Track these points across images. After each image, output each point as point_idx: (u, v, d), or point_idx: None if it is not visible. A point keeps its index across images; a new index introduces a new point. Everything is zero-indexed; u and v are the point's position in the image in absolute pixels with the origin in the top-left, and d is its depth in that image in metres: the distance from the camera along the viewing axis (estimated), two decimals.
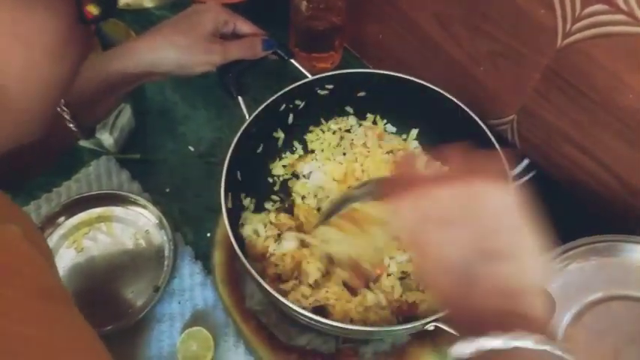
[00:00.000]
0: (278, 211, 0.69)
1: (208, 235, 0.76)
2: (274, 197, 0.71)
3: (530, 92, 0.71)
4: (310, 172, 0.71)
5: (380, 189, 0.43)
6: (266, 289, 0.52)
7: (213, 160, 0.84)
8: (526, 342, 0.33)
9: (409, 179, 0.41)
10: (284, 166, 0.73)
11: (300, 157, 0.74)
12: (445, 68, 0.79)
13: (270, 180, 0.73)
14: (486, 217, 0.38)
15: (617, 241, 0.62)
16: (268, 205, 0.70)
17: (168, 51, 0.59)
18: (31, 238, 0.34)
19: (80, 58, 0.39)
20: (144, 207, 0.77)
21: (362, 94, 0.70)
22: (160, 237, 0.75)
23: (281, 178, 0.73)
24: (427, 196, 0.39)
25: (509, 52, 0.70)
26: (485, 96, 0.77)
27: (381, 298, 0.58)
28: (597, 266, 0.62)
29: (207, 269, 0.73)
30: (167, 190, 0.81)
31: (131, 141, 0.85)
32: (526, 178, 0.73)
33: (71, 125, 0.58)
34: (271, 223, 0.66)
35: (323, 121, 0.73)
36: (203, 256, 0.74)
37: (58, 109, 0.57)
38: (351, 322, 0.56)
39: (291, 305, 0.51)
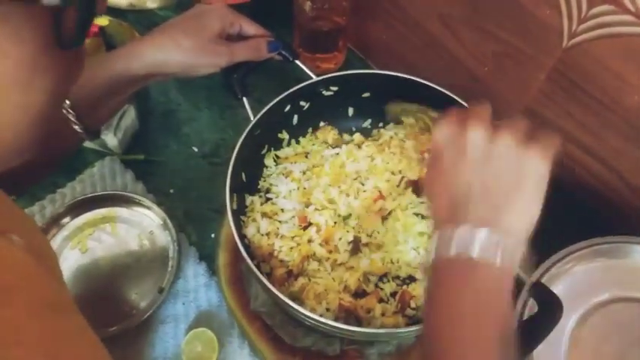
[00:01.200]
0: None
1: (212, 235, 0.76)
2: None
3: (534, 93, 0.71)
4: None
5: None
6: (272, 291, 0.52)
7: (217, 160, 0.84)
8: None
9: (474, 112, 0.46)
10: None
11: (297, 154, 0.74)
12: (449, 69, 0.79)
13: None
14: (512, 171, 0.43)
15: (623, 243, 0.62)
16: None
17: (174, 52, 0.59)
18: (33, 246, 0.34)
19: (62, 81, 0.37)
20: (148, 208, 0.77)
21: (366, 95, 0.69)
22: (164, 238, 0.75)
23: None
24: (464, 126, 0.44)
25: (514, 52, 0.70)
26: (489, 96, 0.75)
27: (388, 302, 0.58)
28: (603, 268, 0.62)
29: (212, 270, 0.73)
30: (171, 190, 0.81)
31: (135, 142, 0.85)
32: None
33: (77, 127, 0.58)
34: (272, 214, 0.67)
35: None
36: (207, 257, 0.74)
37: (64, 111, 0.57)
38: (358, 324, 0.56)
39: (296, 307, 0.51)
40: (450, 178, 0.44)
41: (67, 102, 0.56)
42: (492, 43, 0.71)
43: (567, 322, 0.60)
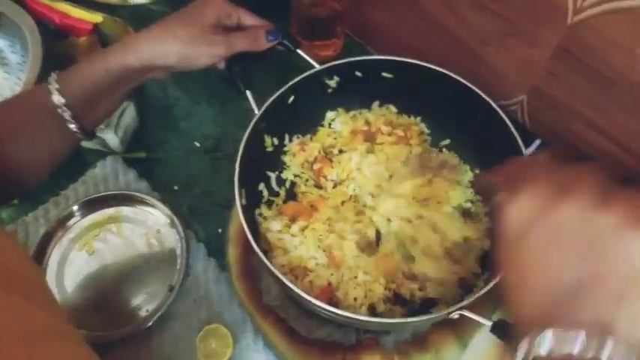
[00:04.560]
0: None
1: (220, 230, 0.75)
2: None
3: (540, 72, 0.70)
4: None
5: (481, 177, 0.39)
6: (285, 283, 0.51)
7: (219, 155, 0.83)
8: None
9: (532, 173, 0.37)
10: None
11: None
12: (452, 50, 0.78)
13: (282, 175, 0.72)
14: (610, 258, 0.33)
15: None
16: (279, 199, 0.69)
17: (170, 43, 0.58)
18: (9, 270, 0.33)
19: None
20: (153, 206, 0.76)
21: (371, 80, 0.68)
22: (172, 235, 0.74)
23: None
24: (555, 203, 0.34)
25: (518, 31, 0.69)
26: (494, 77, 0.76)
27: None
28: None
29: (221, 266, 0.72)
30: (175, 187, 0.80)
31: (136, 139, 0.84)
32: None
33: (72, 126, 0.57)
34: (282, 213, 0.66)
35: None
36: (216, 253, 0.73)
37: (59, 110, 0.56)
38: (374, 313, 0.56)
39: (310, 299, 0.50)
40: (545, 268, 0.35)
41: (63, 100, 0.55)
42: (495, 22, 0.70)
43: None
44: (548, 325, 0.33)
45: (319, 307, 0.50)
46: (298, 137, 0.72)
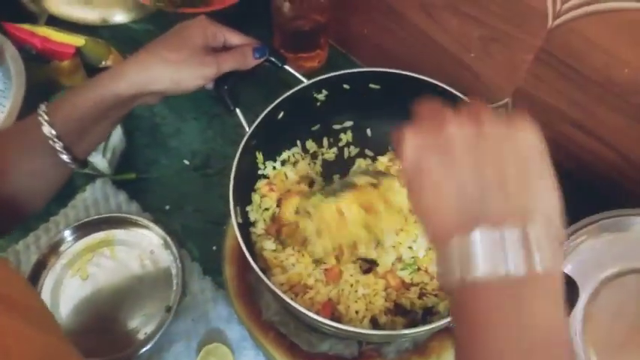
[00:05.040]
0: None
1: (214, 248, 0.75)
2: None
3: (524, 74, 0.71)
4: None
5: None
6: (286, 302, 0.51)
7: (209, 172, 0.83)
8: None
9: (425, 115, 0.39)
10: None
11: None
12: (435, 58, 0.79)
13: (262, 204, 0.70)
14: (509, 159, 0.36)
15: (625, 216, 0.63)
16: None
17: (161, 68, 0.57)
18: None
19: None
20: (146, 227, 0.75)
21: (359, 92, 0.68)
22: (166, 256, 0.74)
23: None
24: (437, 127, 0.38)
25: (499, 36, 0.70)
26: (478, 82, 0.77)
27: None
28: (608, 242, 0.62)
29: (218, 284, 0.72)
30: (167, 207, 0.80)
31: (124, 161, 0.83)
32: None
33: (64, 157, 0.56)
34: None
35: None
36: (212, 271, 0.73)
37: (50, 142, 0.55)
38: (376, 325, 0.56)
39: (312, 315, 0.51)
40: (444, 185, 0.37)
41: (53, 132, 0.55)
42: (477, 28, 0.71)
43: (579, 300, 0.61)
44: (460, 233, 0.35)
45: (323, 323, 0.50)
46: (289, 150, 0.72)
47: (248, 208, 0.64)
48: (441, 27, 0.75)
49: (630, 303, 0.60)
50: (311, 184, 0.70)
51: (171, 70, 0.57)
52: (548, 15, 0.63)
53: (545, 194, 0.36)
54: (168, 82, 0.58)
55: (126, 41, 0.94)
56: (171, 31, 0.60)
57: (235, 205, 0.57)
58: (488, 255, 0.34)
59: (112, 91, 0.57)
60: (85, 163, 0.61)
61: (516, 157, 0.36)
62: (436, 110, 0.39)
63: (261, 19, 0.87)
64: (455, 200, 0.36)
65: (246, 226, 0.62)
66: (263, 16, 0.86)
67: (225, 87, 0.61)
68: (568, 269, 0.61)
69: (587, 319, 0.60)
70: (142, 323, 0.69)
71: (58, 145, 0.56)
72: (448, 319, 0.51)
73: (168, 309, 0.69)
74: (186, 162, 0.84)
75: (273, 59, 0.63)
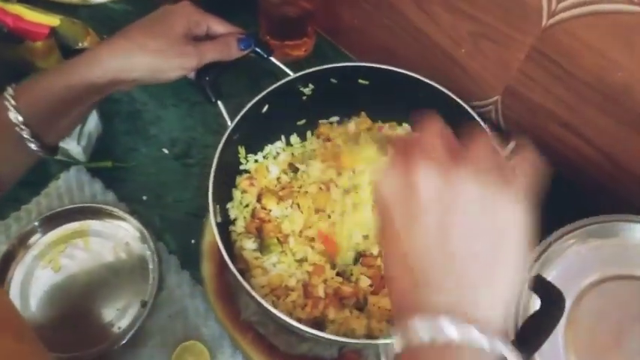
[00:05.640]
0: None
1: (193, 241, 0.73)
2: None
3: (514, 73, 0.69)
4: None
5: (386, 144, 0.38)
6: (262, 304, 0.50)
7: (190, 161, 0.80)
8: (482, 339, 0.31)
9: (420, 145, 0.36)
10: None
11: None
12: (425, 51, 0.77)
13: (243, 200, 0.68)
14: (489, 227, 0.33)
15: (612, 222, 0.62)
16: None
17: (139, 56, 0.54)
18: None
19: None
20: (121, 218, 0.73)
21: (347, 87, 0.66)
22: (142, 249, 0.71)
23: None
24: (405, 168, 0.34)
25: (491, 33, 0.68)
26: (467, 78, 0.75)
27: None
28: (594, 248, 0.62)
29: (196, 279, 0.70)
30: (144, 197, 0.77)
31: (100, 148, 0.80)
32: (512, 162, 0.71)
33: (32, 145, 0.53)
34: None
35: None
36: (189, 265, 0.71)
37: (17, 128, 0.52)
38: (352, 331, 0.54)
39: (289, 321, 0.49)
40: (404, 248, 0.34)
41: (20, 118, 0.52)
42: (469, 23, 0.69)
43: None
44: (414, 310, 0.33)
45: (304, 331, 0.48)
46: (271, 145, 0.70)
47: (228, 205, 0.62)
48: (433, 21, 0.73)
49: (613, 309, 0.59)
50: (295, 171, 0.68)
51: (149, 59, 0.54)
52: (543, 14, 0.61)
53: (503, 289, 0.33)
54: (145, 71, 0.55)
55: (104, 22, 0.90)
56: (152, 16, 0.57)
57: (215, 204, 0.54)
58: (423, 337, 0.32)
59: (85, 77, 0.54)
60: (54, 151, 0.58)
61: (488, 233, 0.33)
62: (422, 139, 0.35)
63: (246, 3, 0.84)
64: (409, 268, 0.34)
65: (225, 224, 0.60)
66: (248, 0, 0.83)
67: (207, 78, 0.58)
68: (553, 275, 0.60)
69: (570, 324, 0.60)
70: (116, 318, 0.67)
71: (25, 133, 0.52)
72: None
73: (144, 304, 0.67)
74: (166, 151, 0.81)
75: (258, 50, 0.61)
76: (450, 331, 0.31)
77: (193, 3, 0.60)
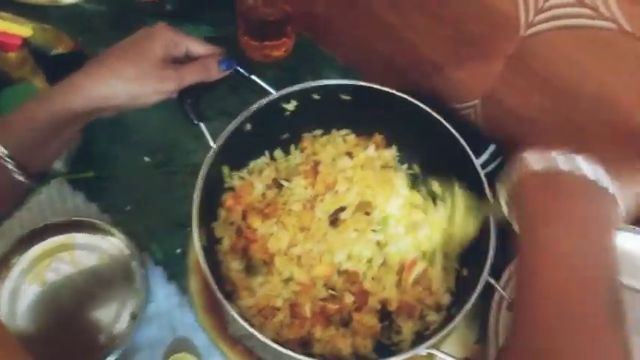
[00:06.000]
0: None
1: (178, 251, 0.73)
2: None
3: (493, 80, 0.70)
4: None
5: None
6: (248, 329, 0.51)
7: (173, 169, 0.80)
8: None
9: None
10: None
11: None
12: (405, 55, 0.77)
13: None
14: None
15: None
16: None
17: (117, 84, 0.54)
18: None
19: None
20: (106, 230, 0.73)
21: (329, 103, 0.66)
22: (128, 260, 0.71)
23: None
24: None
25: (470, 39, 0.68)
26: (446, 82, 0.76)
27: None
28: None
29: (183, 289, 0.70)
30: (128, 207, 0.77)
31: (81, 157, 0.79)
32: (493, 164, 0.73)
33: (17, 176, 0.53)
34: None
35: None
36: (176, 276, 0.71)
37: (2, 161, 0.51)
38: (338, 350, 0.56)
39: (276, 347, 0.50)
40: None
41: (5, 151, 0.51)
42: (448, 30, 0.69)
43: None
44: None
45: (291, 357, 0.49)
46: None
47: (214, 225, 0.63)
48: (411, 26, 0.73)
49: None
50: (280, 187, 0.69)
51: (128, 87, 0.54)
52: (521, 24, 0.62)
53: None
54: (125, 98, 0.55)
55: (76, 23, 0.87)
56: (130, 40, 0.56)
57: (200, 226, 0.55)
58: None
59: (66, 108, 0.53)
60: (41, 178, 0.58)
61: None
62: None
63: (224, 2, 0.82)
64: None
65: (211, 244, 0.61)
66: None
67: (189, 100, 0.58)
68: None
69: None
70: (105, 331, 0.68)
71: (11, 165, 0.52)
72: (414, 351, 0.51)
73: (134, 316, 0.68)
74: (147, 159, 0.80)
75: (240, 69, 0.60)
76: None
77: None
